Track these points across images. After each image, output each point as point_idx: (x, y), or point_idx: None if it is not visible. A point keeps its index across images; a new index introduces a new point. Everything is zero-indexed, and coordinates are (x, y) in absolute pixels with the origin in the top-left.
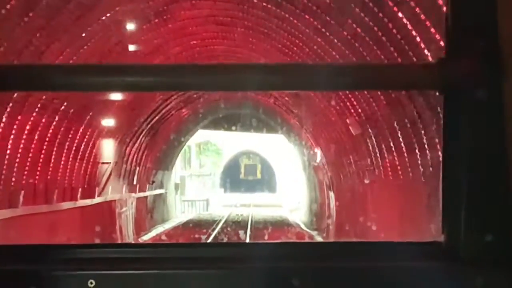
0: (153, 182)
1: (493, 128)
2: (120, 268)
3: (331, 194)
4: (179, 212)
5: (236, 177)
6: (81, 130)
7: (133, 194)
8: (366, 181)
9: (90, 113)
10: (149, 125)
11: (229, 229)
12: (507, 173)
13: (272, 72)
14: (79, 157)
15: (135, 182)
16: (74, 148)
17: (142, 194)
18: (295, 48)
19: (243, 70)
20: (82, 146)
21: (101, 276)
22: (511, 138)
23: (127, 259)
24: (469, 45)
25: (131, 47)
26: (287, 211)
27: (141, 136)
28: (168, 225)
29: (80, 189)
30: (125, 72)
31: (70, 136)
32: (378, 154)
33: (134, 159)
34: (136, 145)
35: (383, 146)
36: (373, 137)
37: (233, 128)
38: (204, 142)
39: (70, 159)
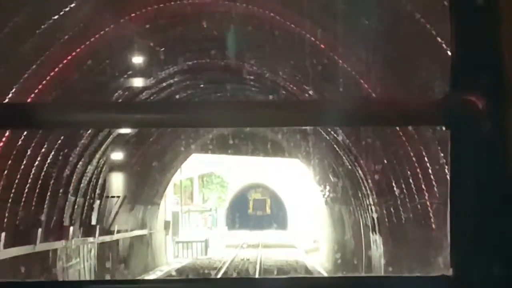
0: None
1: (499, 162)
2: None
3: (375, 237)
4: (171, 256)
5: (244, 212)
6: None
7: (90, 239)
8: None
9: None
10: (108, 139)
11: None
12: None
13: (280, 108)
14: None
15: (94, 222)
16: None
17: (108, 238)
18: None
19: (255, 107)
20: None
21: None
22: None
23: None
24: (474, 80)
25: None
26: (303, 252)
27: (97, 155)
28: (151, 276)
29: None
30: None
31: None
32: None
33: (90, 189)
34: (91, 168)
35: None
36: None
37: (231, 151)
38: (207, 174)
39: None
